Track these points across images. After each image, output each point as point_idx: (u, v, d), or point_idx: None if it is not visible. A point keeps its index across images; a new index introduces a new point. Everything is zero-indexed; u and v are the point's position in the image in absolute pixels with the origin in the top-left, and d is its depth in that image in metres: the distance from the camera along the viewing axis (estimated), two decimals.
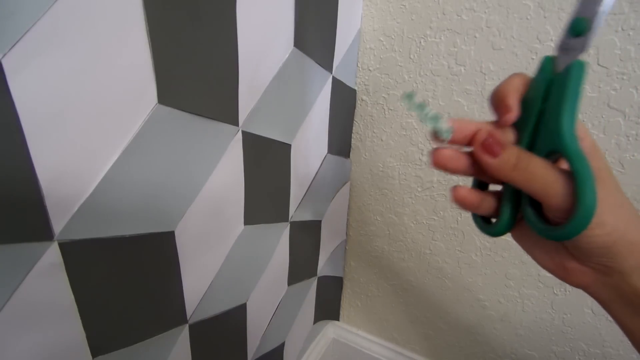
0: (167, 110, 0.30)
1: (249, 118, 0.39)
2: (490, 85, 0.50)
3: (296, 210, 0.53)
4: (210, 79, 0.33)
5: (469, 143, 0.24)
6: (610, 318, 0.23)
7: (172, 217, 0.34)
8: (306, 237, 0.59)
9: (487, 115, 0.51)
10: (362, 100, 0.61)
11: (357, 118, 0.62)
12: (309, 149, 0.52)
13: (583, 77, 0.21)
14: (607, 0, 0.20)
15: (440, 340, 0.70)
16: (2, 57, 0.20)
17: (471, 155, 0.24)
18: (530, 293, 0.58)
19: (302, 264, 0.60)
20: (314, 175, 0.55)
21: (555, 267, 0.24)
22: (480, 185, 0.27)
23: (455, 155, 0.24)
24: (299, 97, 0.47)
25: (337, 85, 0.54)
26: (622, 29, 0.41)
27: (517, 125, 0.24)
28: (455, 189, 0.25)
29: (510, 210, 0.24)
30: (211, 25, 0.31)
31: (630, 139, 0.45)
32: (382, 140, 0.61)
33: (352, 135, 0.64)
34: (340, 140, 0.61)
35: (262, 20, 0.36)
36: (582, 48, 0.21)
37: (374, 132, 0.62)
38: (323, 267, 0.68)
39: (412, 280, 0.68)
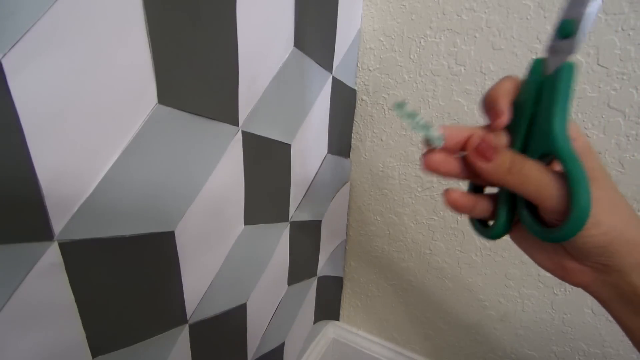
0: (167, 110, 0.30)
1: (249, 118, 0.39)
2: (491, 86, 0.50)
3: (296, 210, 0.53)
4: (210, 79, 0.33)
5: (462, 149, 0.24)
6: (610, 318, 0.23)
7: (172, 217, 0.34)
8: (306, 237, 0.59)
9: None
10: (362, 100, 0.61)
11: (357, 118, 0.62)
12: (309, 149, 0.52)
13: (573, 79, 0.21)
14: (593, 2, 0.20)
15: (440, 340, 0.70)
16: (2, 57, 0.20)
17: (463, 159, 0.24)
18: (530, 293, 0.58)
19: (302, 264, 0.60)
20: (314, 175, 0.55)
21: (554, 267, 0.24)
22: (476, 188, 0.27)
23: (445, 159, 0.24)
24: (299, 97, 0.47)
25: (337, 85, 0.54)
26: (622, 29, 0.41)
27: (510, 128, 0.24)
28: (447, 192, 0.25)
29: (506, 213, 0.25)
30: (211, 25, 0.31)
31: (630, 139, 0.45)
32: (382, 140, 0.61)
33: (352, 135, 0.64)
34: (340, 140, 0.61)
35: (262, 20, 0.36)
36: (571, 49, 0.21)
37: (374, 132, 0.62)
38: (323, 267, 0.68)
39: (412, 280, 0.68)
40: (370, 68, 0.58)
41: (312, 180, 0.55)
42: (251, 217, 0.44)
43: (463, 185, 0.27)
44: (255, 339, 0.54)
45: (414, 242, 0.65)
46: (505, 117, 0.23)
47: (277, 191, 0.49)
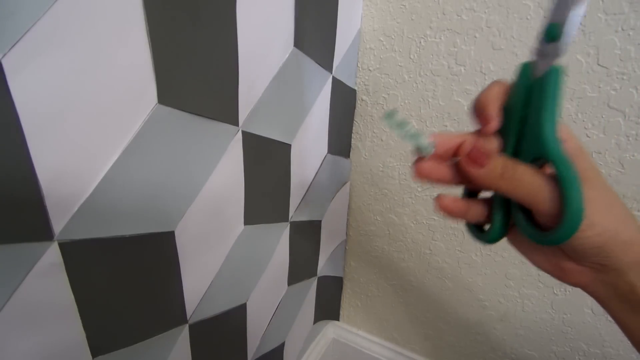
0: (167, 110, 0.30)
1: (249, 118, 0.39)
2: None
3: (296, 210, 0.53)
4: (210, 79, 0.33)
5: (454, 155, 0.24)
6: (610, 318, 0.24)
7: (172, 217, 0.34)
8: (306, 237, 0.59)
9: None
10: (362, 100, 0.61)
11: (357, 118, 0.62)
12: (309, 149, 0.52)
13: (560, 83, 0.21)
14: (578, 6, 0.20)
15: (440, 340, 0.70)
16: (2, 57, 0.20)
17: (455, 165, 0.24)
18: (530, 293, 0.58)
19: (302, 264, 0.60)
20: (314, 175, 0.55)
21: (552, 269, 0.24)
22: (471, 192, 0.27)
23: (436, 166, 0.24)
24: (299, 97, 0.47)
25: (337, 85, 0.54)
26: (622, 29, 0.41)
27: (502, 132, 0.24)
28: (439, 198, 0.25)
29: (501, 217, 0.25)
30: (211, 25, 0.31)
31: (630, 139, 0.45)
32: (382, 140, 0.61)
33: (352, 135, 0.64)
34: (340, 140, 0.61)
35: (262, 20, 0.36)
36: (558, 53, 0.21)
37: (374, 132, 0.62)
38: (323, 267, 0.68)
39: (412, 280, 0.68)
40: (370, 68, 0.58)
41: (312, 180, 0.55)
42: (251, 217, 0.44)
43: (458, 190, 0.27)
44: (255, 339, 0.54)
45: (414, 242, 0.65)
46: (495, 122, 0.23)
47: (277, 191, 0.49)
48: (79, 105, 0.24)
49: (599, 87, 0.44)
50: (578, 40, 0.44)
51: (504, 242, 0.26)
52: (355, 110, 0.62)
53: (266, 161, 0.44)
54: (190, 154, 0.33)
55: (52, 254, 0.25)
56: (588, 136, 0.47)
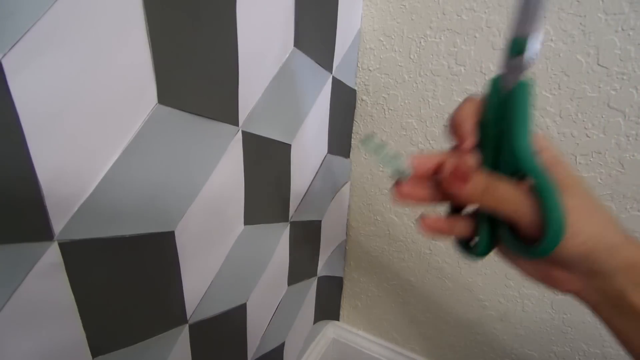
0: (167, 110, 0.30)
1: (249, 118, 0.39)
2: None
3: (296, 210, 0.53)
4: (210, 79, 0.33)
5: (434, 174, 0.24)
6: None
7: (172, 217, 0.34)
8: (306, 237, 0.59)
9: None
10: (362, 100, 0.61)
11: (357, 118, 0.62)
12: (309, 149, 0.52)
13: (528, 97, 0.21)
14: (539, 19, 0.20)
15: (440, 340, 0.70)
16: (2, 57, 0.20)
17: (436, 184, 0.24)
18: (530, 293, 0.58)
19: (302, 264, 0.60)
20: (314, 175, 0.55)
21: (542, 278, 0.24)
22: (456, 208, 0.27)
23: (415, 188, 0.24)
24: (299, 97, 0.47)
25: (337, 85, 0.54)
26: (622, 29, 0.41)
27: (480, 147, 0.24)
28: (422, 219, 0.25)
29: (487, 232, 0.25)
30: (211, 26, 0.31)
31: (630, 139, 0.45)
32: (382, 140, 0.61)
33: (352, 135, 0.64)
34: (340, 140, 0.61)
35: (262, 21, 0.36)
36: (524, 67, 0.21)
37: (374, 132, 0.62)
38: (323, 267, 0.68)
39: (412, 280, 0.68)
40: (370, 68, 0.58)
41: (312, 180, 0.55)
42: (251, 217, 0.44)
43: (441, 207, 0.27)
44: (255, 339, 0.54)
45: (414, 242, 0.65)
46: (470, 140, 0.23)
47: (277, 191, 0.49)
48: (79, 105, 0.24)
49: (599, 87, 0.44)
50: (578, 40, 0.44)
51: None
52: (355, 110, 0.62)
53: (266, 161, 0.44)
54: (190, 154, 0.33)
55: (52, 254, 0.25)
56: (588, 136, 0.47)
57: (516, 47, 0.21)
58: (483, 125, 0.23)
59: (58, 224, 0.25)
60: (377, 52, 0.56)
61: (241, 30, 0.34)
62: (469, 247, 0.27)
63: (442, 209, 0.27)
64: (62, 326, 0.28)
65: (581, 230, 0.20)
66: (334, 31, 0.50)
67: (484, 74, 0.50)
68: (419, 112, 0.56)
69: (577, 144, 0.48)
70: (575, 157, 0.48)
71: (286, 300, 0.58)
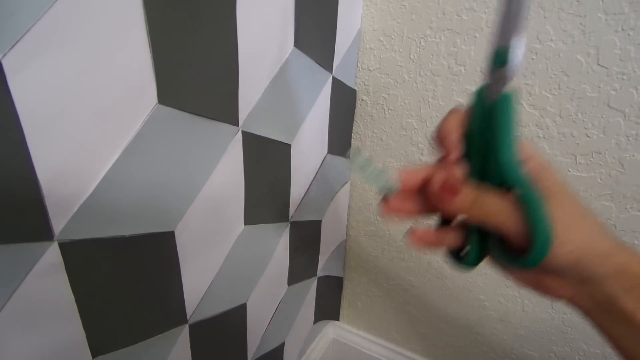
0: (167, 110, 0.30)
1: (249, 118, 0.39)
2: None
3: (296, 210, 0.53)
4: (210, 79, 0.33)
5: (421, 188, 0.24)
6: None
7: (172, 217, 0.34)
8: (306, 237, 0.59)
9: None
10: (362, 100, 0.61)
11: (357, 118, 0.62)
12: (309, 149, 0.52)
13: (512, 109, 0.21)
14: (520, 30, 0.20)
15: (440, 340, 0.70)
16: (2, 57, 0.20)
17: (424, 197, 0.24)
18: (530, 293, 0.58)
19: (302, 264, 0.60)
20: (314, 175, 0.55)
21: (534, 285, 0.24)
22: (445, 219, 0.27)
23: (403, 202, 0.25)
24: (299, 97, 0.47)
25: (337, 85, 0.54)
26: (622, 29, 0.41)
27: (467, 157, 0.24)
28: (411, 232, 0.25)
29: (477, 243, 0.25)
30: (211, 25, 0.31)
31: (630, 139, 0.45)
32: (382, 140, 0.61)
33: (352, 135, 0.64)
34: (340, 140, 0.61)
35: (262, 21, 0.36)
36: (507, 78, 0.21)
37: (374, 132, 0.62)
38: (323, 267, 0.68)
39: (412, 280, 0.68)
40: (370, 68, 0.58)
41: (312, 180, 0.55)
42: (251, 217, 0.44)
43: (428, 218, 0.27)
44: (255, 339, 0.54)
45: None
46: (456, 152, 0.24)
47: (277, 191, 0.49)
48: (79, 105, 0.24)
49: (599, 87, 0.44)
50: (578, 40, 0.44)
51: None
52: (355, 110, 0.62)
53: (266, 161, 0.44)
54: (190, 154, 0.33)
55: (52, 254, 0.25)
56: (588, 136, 0.47)
57: (499, 59, 0.21)
58: (469, 136, 0.24)
59: (58, 224, 0.25)
60: (377, 52, 0.56)
61: (241, 30, 0.34)
62: (460, 257, 0.27)
63: (431, 221, 0.27)
64: (62, 326, 0.28)
65: (569, 239, 0.20)
66: (334, 31, 0.50)
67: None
68: (419, 112, 0.56)
69: (577, 144, 0.48)
70: (575, 157, 0.48)
71: (286, 300, 0.58)
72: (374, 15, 0.55)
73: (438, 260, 0.64)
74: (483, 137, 0.22)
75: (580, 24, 0.43)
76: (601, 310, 0.22)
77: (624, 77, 0.43)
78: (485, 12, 0.47)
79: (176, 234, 0.35)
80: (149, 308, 0.35)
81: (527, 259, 0.21)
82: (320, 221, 0.62)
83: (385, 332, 0.77)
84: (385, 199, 0.25)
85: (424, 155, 0.58)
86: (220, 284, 0.42)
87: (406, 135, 0.59)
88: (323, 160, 0.57)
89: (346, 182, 0.66)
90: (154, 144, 0.30)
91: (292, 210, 0.53)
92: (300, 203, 0.54)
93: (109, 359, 0.32)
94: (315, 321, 0.73)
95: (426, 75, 0.54)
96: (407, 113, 0.57)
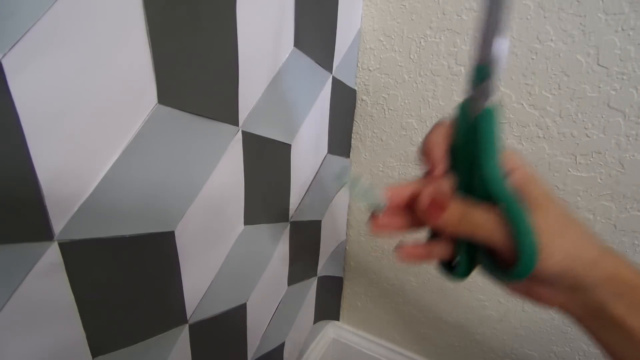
0: (167, 110, 0.30)
1: (249, 118, 0.39)
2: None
3: (296, 210, 0.53)
4: (210, 79, 0.33)
5: (409, 203, 0.25)
6: None
7: (172, 217, 0.34)
8: (306, 237, 0.59)
9: None
10: (362, 100, 0.61)
11: (357, 118, 0.62)
12: (309, 149, 0.52)
13: (494, 123, 0.21)
14: (501, 45, 0.20)
15: (440, 340, 0.70)
16: (2, 57, 0.20)
17: (412, 212, 0.24)
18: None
19: (302, 264, 0.60)
20: (314, 175, 0.55)
21: (525, 293, 0.25)
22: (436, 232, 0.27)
23: (392, 219, 0.25)
24: (299, 97, 0.47)
25: (337, 85, 0.54)
26: (622, 29, 0.41)
27: (454, 171, 0.24)
28: (399, 248, 0.25)
29: (466, 255, 0.25)
30: (211, 25, 0.31)
31: (630, 139, 0.45)
32: (382, 140, 0.61)
33: (352, 135, 0.64)
34: (340, 140, 0.61)
35: (262, 20, 0.36)
36: (489, 92, 0.21)
37: (374, 132, 0.62)
38: (323, 267, 0.68)
39: (412, 280, 0.68)
40: (370, 68, 0.58)
41: (312, 180, 0.55)
42: (251, 217, 0.44)
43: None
44: (255, 339, 0.54)
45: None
46: (441, 167, 0.24)
47: (277, 191, 0.49)
48: (79, 105, 0.24)
49: (599, 87, 0.44)
50: (578, 40, 0.44)
51: None
52: (355, 110, 0.62)
53: (266, 161, 0.44)
54: (190, 154, 0.33)
55: (52, 254, 0.25)
56: (588, 136, 0.47)
57: (480, 74, 0.21)
58: (454, 150, 0.24)
59: (58, 224, 0.25)
60: (377, 52, 0.56)
61: (241, 30, 0.34)
62: (451, 267, 0.27)
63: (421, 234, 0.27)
64: (62, 326, 0.28)
65: (556, 249, 0.20)
66: (334, 31, 0.50)
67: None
68: (419, 112, 0.56)
69: (577, 144, 0.48)
70: (575, 157, 0.48)
71: (286, 300, 0.58)
72: (374, 15, 0.55)
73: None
74: (468, 150, 0.23)
75: (580, 24, 0.43)
76: (592, 317, 0.22)
77: (624, 77, 0.43)
78: None
79: (176, 234, 0.35)
80: (149, 308, 0.35)
81: (514, 272, 0.21)
82: (320, 221, 0.61)
83: (385, 332, 0.77)
84: (374, 216, 0.25)
85: None
86: (220, 284, 0.42)
87: (406, 135, 0.59)
88: (323, 160, 0.57)
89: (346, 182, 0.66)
90: (154, 144, 0.30)
91: (292, 210, 0.53)
92: (300, 203, 0.54)
93: (109, 359, 0.32)
94: (315, 321, 0.73)
95: (426, 75, 0.54)
96: (407, 113, 0.57)
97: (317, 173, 0.56)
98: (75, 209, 0.26)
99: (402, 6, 0.52)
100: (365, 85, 0.59)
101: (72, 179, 0.25)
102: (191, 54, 0.30)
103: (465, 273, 0.26)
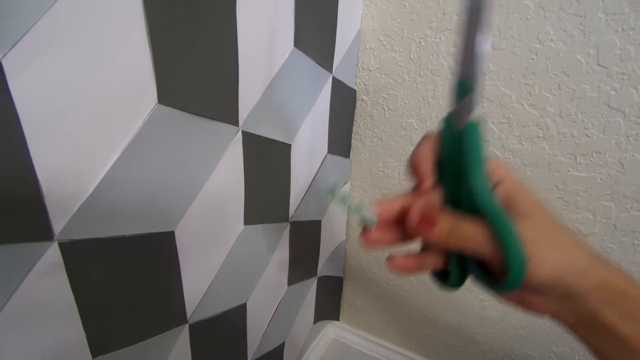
0: (167, 110, 0.30)
1: (249, 118, 0.39)
2: (490, 86, 0.50)
3: (296, 210, 0.53)
4: (210, 79, 0.33)
5: (399, 217, 0.25)
6: None
7: (172, 217, 0.34)
8: (306, 237, 0.59)
9: (486, 112, 0.51)
10: (362, 100, 0.61)
11: (357, 118, 0.62)
12: (309, 149, 0.52)
13: (478, 137, 0.22)
14: (481, 60, 0.20)
15: (440, 340, 0.70)
16: (2, 57, 0.20)
17: (402, 226, 0.25)
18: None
19: (302, 264, 0.60)
20: (314, 175, 0.55)
21: (517, 302, 0.25)
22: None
23: (382, 234, 0.25)
24: (299, 97, 0.47)
25: (337, 85, 0.54)
26: (622, 29, 0.41)
27: (441, 184, 0.24)
28: (391, 260, 0.26)
29: (457, 266, 0.25)
30: (211, 25, 0.31)
31: (630, 139, 0.45)
32: (382, 140, 0.61)
33: (352, 135, 0.64)
34: (340, 140, 0.61)
35: (262, 20, 0.36)
36: (472, 106, 0.21)
37: (374, 132, 0.62)
38: (323, 267, 0.68)
39: (412, 280, 0.68)
40: (370, 68, 0.58)
41: (312, 180, 0.55)
42: (251, 217, 0.44)
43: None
44: (255, 339, 0.54)
45: (414, 242, 0.65)
46: (428, 181, 0.24)
47: (277, 191, 0.49)
48: (79, 105, 0.24)
49: (599, 87, 0.44)
50: (578, 40, 0.44)
51: None
52: (355, 110, 0.62)
53: (266, 161, 0.44)
54: (190, 154, 0.33)
55: (52, 254, 0.25)
56: (588, 136, 0.47)
57: (462, 89, 0.21)
58: (440, 163, 0.24)
59: (58, 224, 0.25)
60: (377, 52, 0.56)
61: (241, 30, 0.34)
62: (444, 277, 0.27)
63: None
64: (62, 326, 0.28)
65: (545, 259, 0.20)
66: (334, 31, 0.50)
67: (484, 74, 0.50)
68: (419, 112, 0.56)
69: (577, 144, 0.48)
70: (575, 157, 0.48)
71: (286, 300, 0.58)
72: (374, 15, 0.55)
73: None
74: (454, 164, 0.23)
75: (580, 24, 0.43)
76: (584, 324, 0.23)
77: (624, 77, 0.43)
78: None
79: (176, 234, 0.35)
80: (149, 308, 0.35)
81: (504, 284, 0.21)
82: (320, 221, 0.62)
83: (385, 332, 0.77)
84: (365, 231, 0.25)
85: None
86: (220, 284, 0.42)
87: (406, 135, 0.59)
88: (323, 160, 0.57)
89: (346, 182, 0.66)
90: (154, 144, 0.30)
91: (292, 210, 0.53)
92: (300, 203, 0.54)
93: (109, 359, 0.32)
94: (315, 321, 0.73)
95: (426, 75, 0.54)
96: (407, 113, 0.57)
97: (317, 173, 0.56)
98: (75, 209, 0.26)
99: (402, 6, 0.52)
100: (365, 85, 0.59)
101: (72, 179, 0.25)
102: (191, 54, 0.30)
103: (458, 283, 0.26)
